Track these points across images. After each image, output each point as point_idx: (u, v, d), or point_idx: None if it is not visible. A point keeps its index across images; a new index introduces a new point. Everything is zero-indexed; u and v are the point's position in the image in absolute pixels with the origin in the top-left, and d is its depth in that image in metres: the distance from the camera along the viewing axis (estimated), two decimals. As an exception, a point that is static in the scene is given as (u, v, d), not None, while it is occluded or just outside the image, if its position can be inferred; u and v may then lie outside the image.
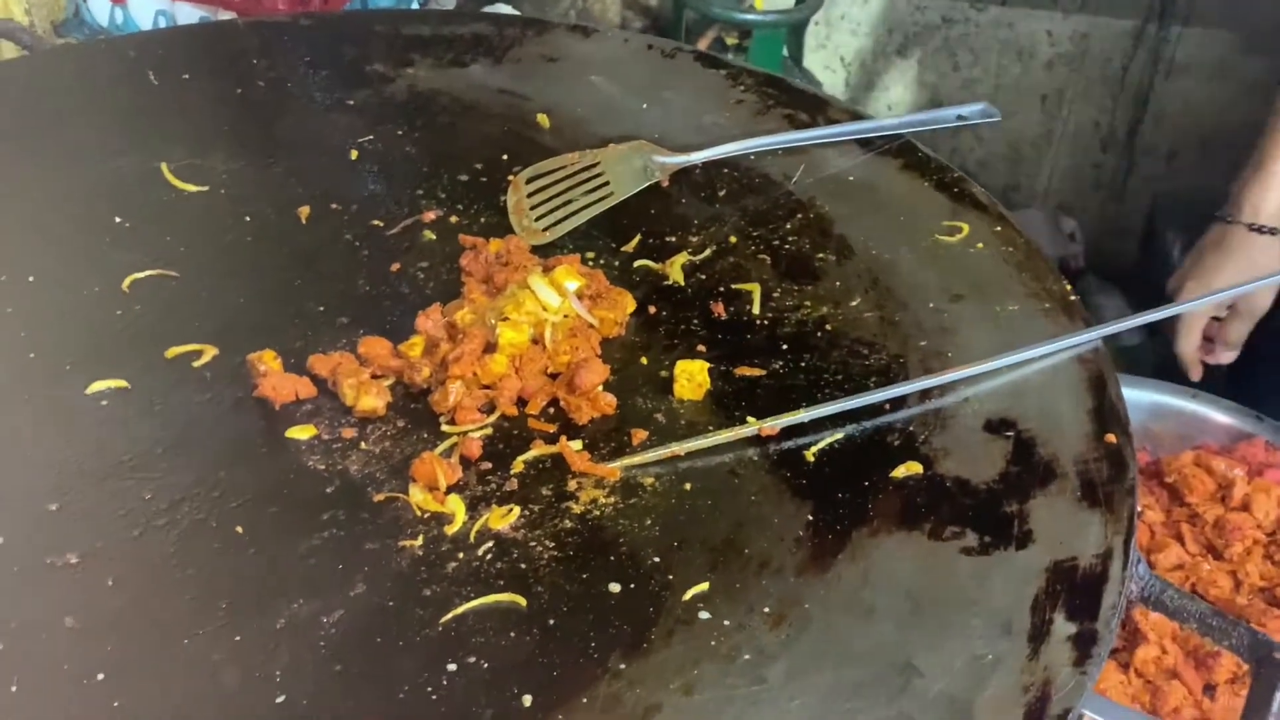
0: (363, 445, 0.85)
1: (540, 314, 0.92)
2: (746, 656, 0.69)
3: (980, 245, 1.03)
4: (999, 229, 1.05)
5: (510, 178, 1.10)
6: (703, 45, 2.22)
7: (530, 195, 1.08)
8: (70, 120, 1.17)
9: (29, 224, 1.03)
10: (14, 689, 0.67)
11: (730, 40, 2.31)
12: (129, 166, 1.10)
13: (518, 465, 0.83)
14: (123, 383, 0.88)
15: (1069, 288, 0.97)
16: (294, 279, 1.00)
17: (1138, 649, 0.88)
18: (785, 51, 2.34)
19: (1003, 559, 0.75)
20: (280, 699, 0.67)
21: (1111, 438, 0.83)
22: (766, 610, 0.72)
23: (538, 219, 1.06)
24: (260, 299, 0.97)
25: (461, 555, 0.76)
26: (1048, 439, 0.84)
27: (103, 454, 0.82)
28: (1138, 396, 1.06)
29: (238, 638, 0.70)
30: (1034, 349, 0.89)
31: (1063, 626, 0.70)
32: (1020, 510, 0.78)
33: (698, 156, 1.13)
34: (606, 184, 1.09)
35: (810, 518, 0.79)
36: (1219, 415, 1.10)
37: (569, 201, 1.07)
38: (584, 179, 1.10)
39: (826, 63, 2.72)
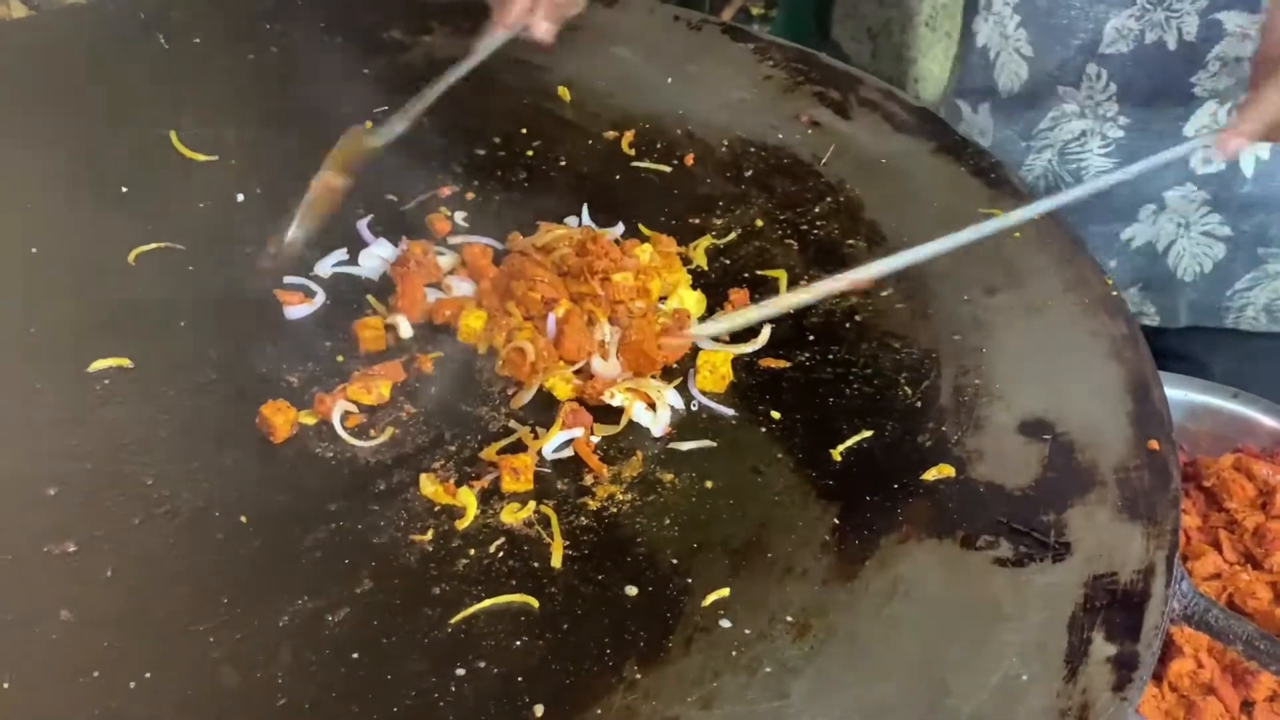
0: (371, 432, 0.82)
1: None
2: (768, 669, 0.66)
3: (1017, 235, 0.99)
4: (1037, 218, 1.00)
5: None
6: (727, 15, 2.17)
7: None
8: (78, 84, 1.13)
9: (33, 193, 1.00)
10: (6, 685, 0.64)
11: (756, 10, 2.25)
12: (137, 134, 1.07)
13: (525, 461, 0.80)
14: (126, 361, 0.85)
15: (1110, 282, 0.93)
16: (304, 255, 0.96)
17: (1172, 662, 0.84)
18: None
19: (1038, 572, 0.71)
20: (282, 701, 0.64)
21: (1154, 444, 0.79)
22: (790, 619, 0.69)
23: None
24: (269, 276, 0.94)
25: (473, 552, 0.74)
26: (1087, 444, 0.80)
27: (104, 436, 0.80)
28: (1175, 395, 1.02)
29: (239, 635, 0.68)
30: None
31: (1101, 647, 0.66)
32: (1057, 520, 0.75)
33: None
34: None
35: (836, 521, 0.75)
36: (1262, 417, 1.05)
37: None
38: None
39: (853, 34, 2.65)
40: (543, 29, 1.07)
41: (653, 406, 0.83)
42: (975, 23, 1.25)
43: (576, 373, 0.85)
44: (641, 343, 0.85)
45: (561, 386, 0.84)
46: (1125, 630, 0.67)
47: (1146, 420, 0.81)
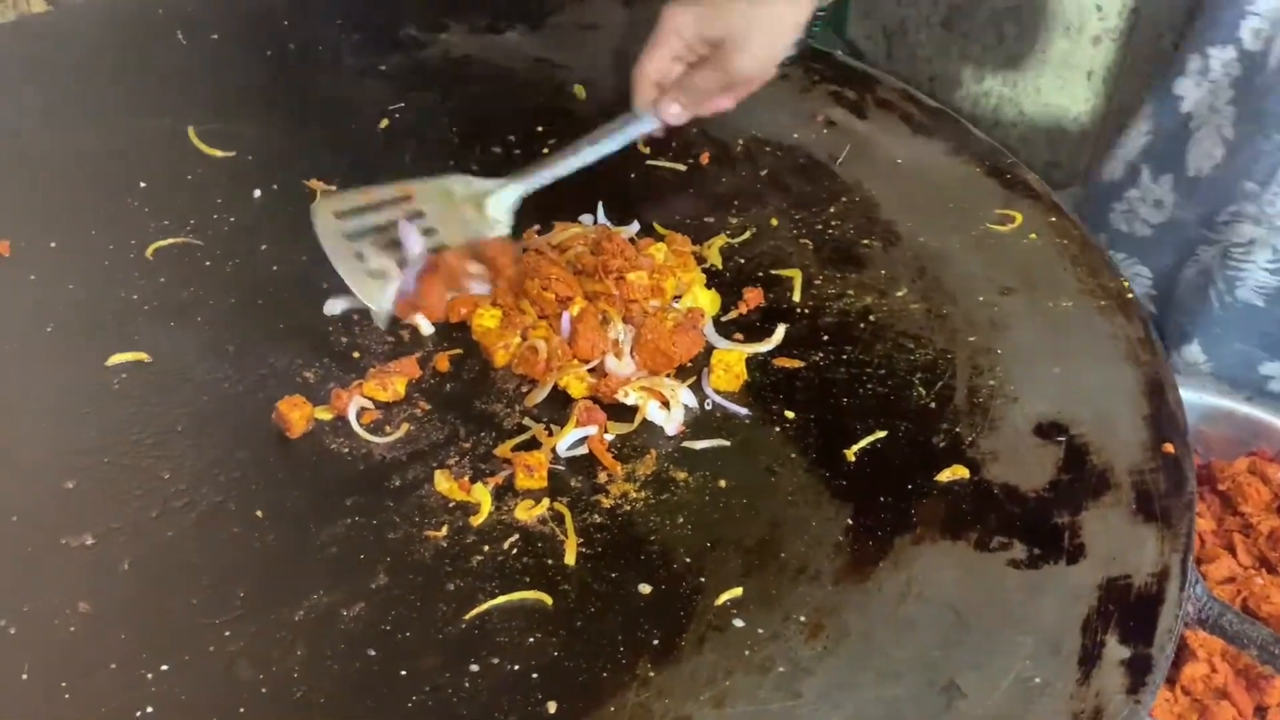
0: (387, 428, 0.82)
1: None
2: (781, 668, 0.66)
3: (1033, 236, 0.99)
4: (1053, 219, 1.00)
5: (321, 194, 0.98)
6: (743, 13, 2.16)
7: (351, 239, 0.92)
8: (96, 79, 1.14)
9: (52, 187, 1.01)
10: (24, 676, 0.65)
11: (772, 8, 2.24)
12: (155, 129, 1.08)
13: (539, 458, 0.80)
14: (144, 356, 0.86)
15: (1126, 284, 0.93)
16: (320, 252, 0.96)
17: (1185, 666, 0.84)
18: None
19: (1052, 574, 0.71)
20: (297, 695, 0.65)
21: (1169, 447, 0.79)
22: (803, 619, 0.69)
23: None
24: (286, 271, 0.94)
25: (487, 548, 0.74)
26: (1101, 446, 0.80)
27: (121, 430, 0.80)
28: (1191, 399, 1.01)
29: (254, 629, 0.68)
30: None
31: (1115, 650, 0.66)
32: (1072, 522, 0.75)
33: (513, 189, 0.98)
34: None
35: (850, 521, 0.75)
36: (1277, 421, 1.05)
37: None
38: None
39: (868, 33, 2.65)
40: (672, 112, 0.99)
41: (667, 405, 0.83)
42: (1179, 85, 1.08)
43: (591, 371, 0.86)
44: (656, 341, 0.86)
45: (576, 385, 0.84)
46: (1139, 633, 0.67)
47: (1162, 423, 0.81)
